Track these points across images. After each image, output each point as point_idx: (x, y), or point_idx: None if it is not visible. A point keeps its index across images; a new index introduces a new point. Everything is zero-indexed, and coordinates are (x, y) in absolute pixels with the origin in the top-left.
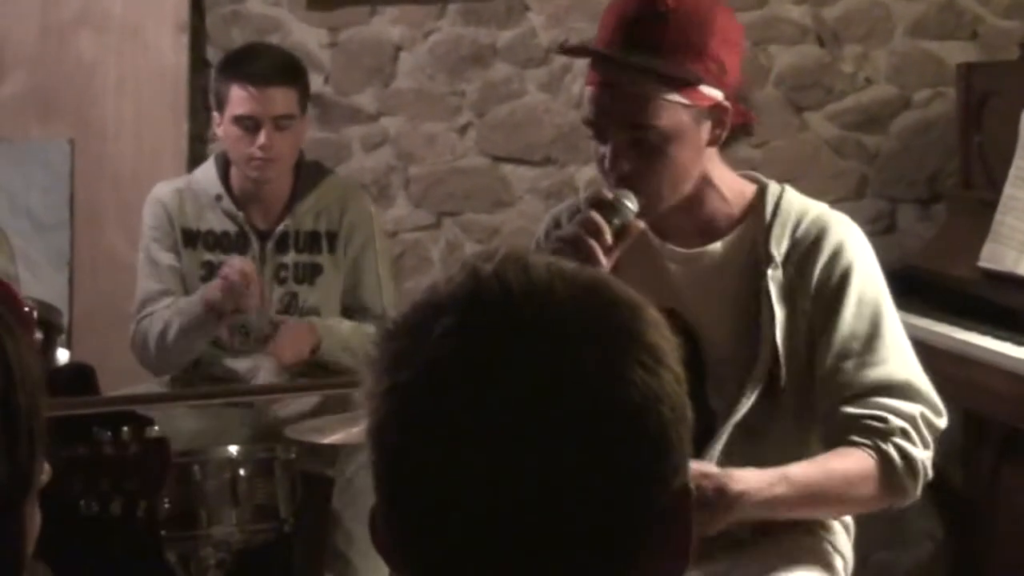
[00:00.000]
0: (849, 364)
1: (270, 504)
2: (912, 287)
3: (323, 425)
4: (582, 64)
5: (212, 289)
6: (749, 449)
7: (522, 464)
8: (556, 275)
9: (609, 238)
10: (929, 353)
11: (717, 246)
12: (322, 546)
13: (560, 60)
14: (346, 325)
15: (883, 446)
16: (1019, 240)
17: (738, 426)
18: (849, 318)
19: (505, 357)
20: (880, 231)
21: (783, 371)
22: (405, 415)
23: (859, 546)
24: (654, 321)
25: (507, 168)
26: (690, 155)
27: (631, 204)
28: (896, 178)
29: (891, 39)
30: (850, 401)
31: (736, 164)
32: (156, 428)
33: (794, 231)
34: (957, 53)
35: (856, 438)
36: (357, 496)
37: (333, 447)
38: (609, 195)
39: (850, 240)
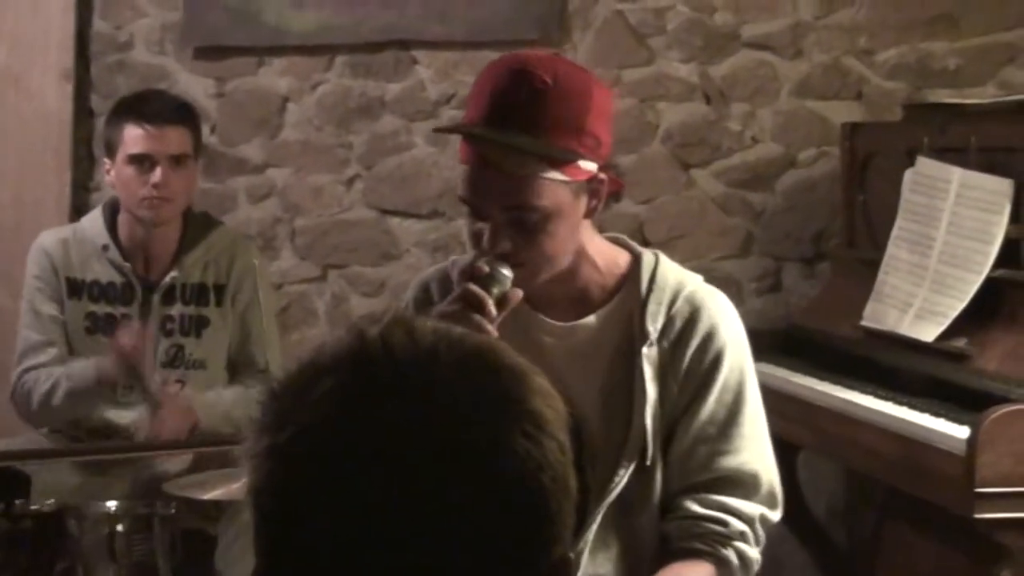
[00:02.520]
0: (703, 449)
1: (149, 561)
2: (796, 345)
3: (205, 480)
4: None
5: (107, 366)
6: (624, 521)
7: (401, 532)
8: (442, 339)
9: (493, 309)
10: (812, 411)
11: (591, 320)
12: None
13: (448, 113)
14: (227, 396)
15: (723, 552)
16: (900, 300)
17: (612, 501)
18: (711, 403)
19: (385, 421)
20: (765, 289)
21: (650, 448)
22: (283, 477)
23: None
24: (540, 389)
25: (394, 221)
26: (569, 230)
27: (508, 272)
28: (781, 236)
29: (777, 98)
30: (697, 490)
31: (622, 221)
32: (51, 501)
33: (670, 307)
34: (842, 113)
35: (697, 545)
36: (240, 556)
37: (216, 503)
38: (485, 268)
39: (724, 322)
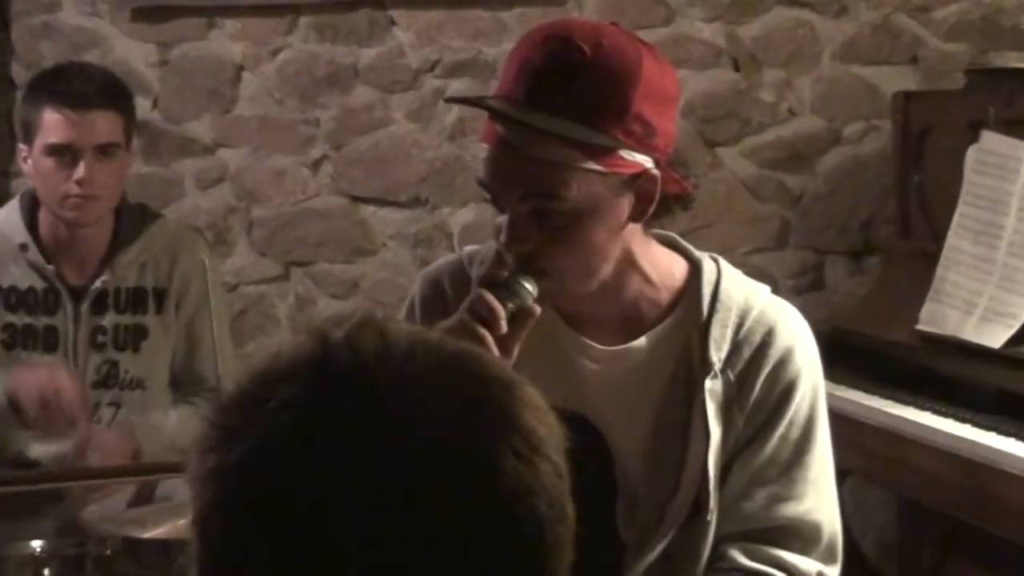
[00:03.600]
0: (761, 494)
1: None
2: (841, 354)
3: (145, 517)
4: (459, 88)
5: (28, 403)
6: None
7: (370, 565)
8: (418, 343)
9: (503, 324)
10: (859, 431)
11: (642, 343)
12: None
13: (432, 84)
14: (174, 419)
15: None
16: (963, 299)
17: (654, 559)
18: (776, 440)
19: (352, 437)
20: (805, 287)
21: (712, 499)
22: (233, 501)
23: None
24: (531, 402)
25: (368, 210)
26: (607, 233)
27: (530, 286)
28: (823, 225)
29: (818, 64)
30: (748, 539)
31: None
32: None
33: (737, 331)
34: (894, 80)
35: None
36: None
37: (160, 543)
38: (504, 273)
39: (799, 346)
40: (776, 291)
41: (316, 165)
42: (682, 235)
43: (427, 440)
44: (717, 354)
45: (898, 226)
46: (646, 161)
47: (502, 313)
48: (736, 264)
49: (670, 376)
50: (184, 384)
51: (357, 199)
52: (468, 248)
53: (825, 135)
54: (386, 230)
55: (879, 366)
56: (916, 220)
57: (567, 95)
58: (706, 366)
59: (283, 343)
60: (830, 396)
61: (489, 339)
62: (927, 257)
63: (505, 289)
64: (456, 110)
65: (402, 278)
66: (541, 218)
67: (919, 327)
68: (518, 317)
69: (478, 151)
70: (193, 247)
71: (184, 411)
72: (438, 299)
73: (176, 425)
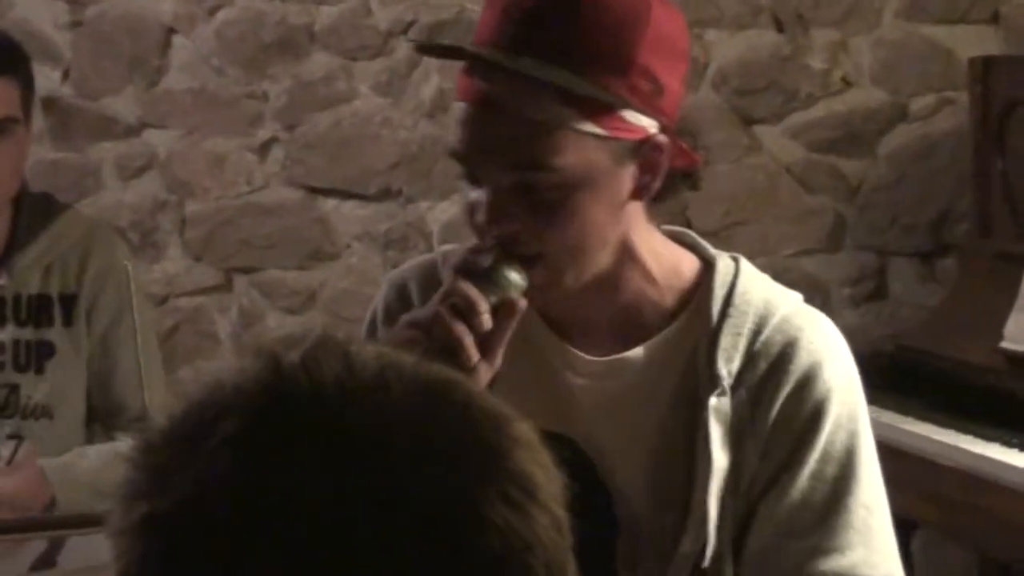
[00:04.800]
0: (794, 547)
1: None
2: (908, 377)
3: None
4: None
5: None
6: None
7: None
8: (389, 369)
9: (486, 320)
10: (931, 472)
11: (639, 353)
12: None
13: (405, 50)
14: (92, 458)
15: None
16: None
17: None
18: (805, 479)
19: (310, 479)
20: (863, 297)
21: (710, 543)
22: (167, 556)
23: None
24: (527, 441)
25: (329, 205)
26: (606, 211)
27: (517, 276)
28: (886, 221)
29: (878, 23)
30: None
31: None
32: None
33: (752, 340)
34: (972, 43)
35: None
36: None
37: None
38: (484, 262)
39: (829, 360)
40: (829, 302)
41: (264, 149)
42: (711, 235)
43: (400, 485)
44: (727, 367)
45: (977, 222)
46: (651, 126)
47: (484, 306)
48: (779, 269)
49: (673, 393)
50: (102, 414)
51: (315, 191)
52: (443, 248)
53: (888, 110)
54: (350, 229)
55: (955, 393)
56: (999, 215)
57: (563, 40)
58: (713, 381)
59: (224, 368)
60: (893, 430)
61: (468, 338)
62: (1012, 260)
63: (485, 279)
64: (435, 81)
65: (370, 287)
66: (527, 193)
67: (1003, 345)
68: (500, 312)
69: None
70: (110, 247)
71: (104, 449)
72: (402, 307)
73: (96, 465)
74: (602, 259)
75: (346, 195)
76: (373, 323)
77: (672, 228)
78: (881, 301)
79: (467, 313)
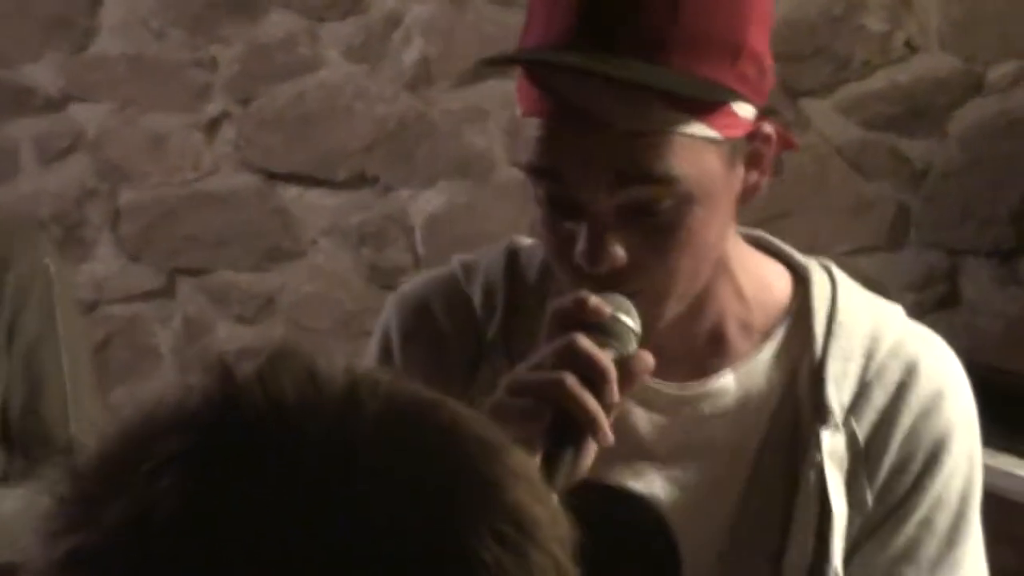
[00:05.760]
0: None
1: None
2: (986, 400)
3: None
4: (425, 14)
5: None
6: None
7: None
8: (362, 384)
9: (615, 391)
10: (1016, 516)
11: (727, 380)
12: None
13: (383, 6)
14: (8, 504)
15: None
16: None
17: None
18: (915, 525)
19: (264, 507)
20: (931, 304)
21: None
22: None
23: None
24: (525, 474)
25: (291, 193)
26: (720, 225)
27: (632, 323)
28: (958, 214)
29: None
30: None
31: None
32: None
33: (864, 368)
34: None
35: None
36: None
37: None
38: (606, 309)
39: (952, 390)
40: None
41: (213, 127)
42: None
43: (373, 520)
44: (839, 398)
45: None
46: (754, 113)
47: (614, 373)
48: None
49: (767, 429)
50: (23, 442)
51: (274, 176)
52: (460, 258)
53: (961, 80)
54: (317, 222)
55: None
56: None
57: (661, 30)
58: (822, 415)
59: (167, 388)
60: None
61: (600, 415)
62: None
63: (599, 331)
64: (418, 45)
65: (340, 292)
66: (635, 216)
67: None
68: (622, 373)
69: (450, 105)
70: (31, 246)
71: (20, 494)
72: (428, 332)
73: (13, 510)
74: (702, 280)
75: (311, 182)
76: (387, 349)
77: (750, 232)
78: (952, 309)
79: (598, 382)
